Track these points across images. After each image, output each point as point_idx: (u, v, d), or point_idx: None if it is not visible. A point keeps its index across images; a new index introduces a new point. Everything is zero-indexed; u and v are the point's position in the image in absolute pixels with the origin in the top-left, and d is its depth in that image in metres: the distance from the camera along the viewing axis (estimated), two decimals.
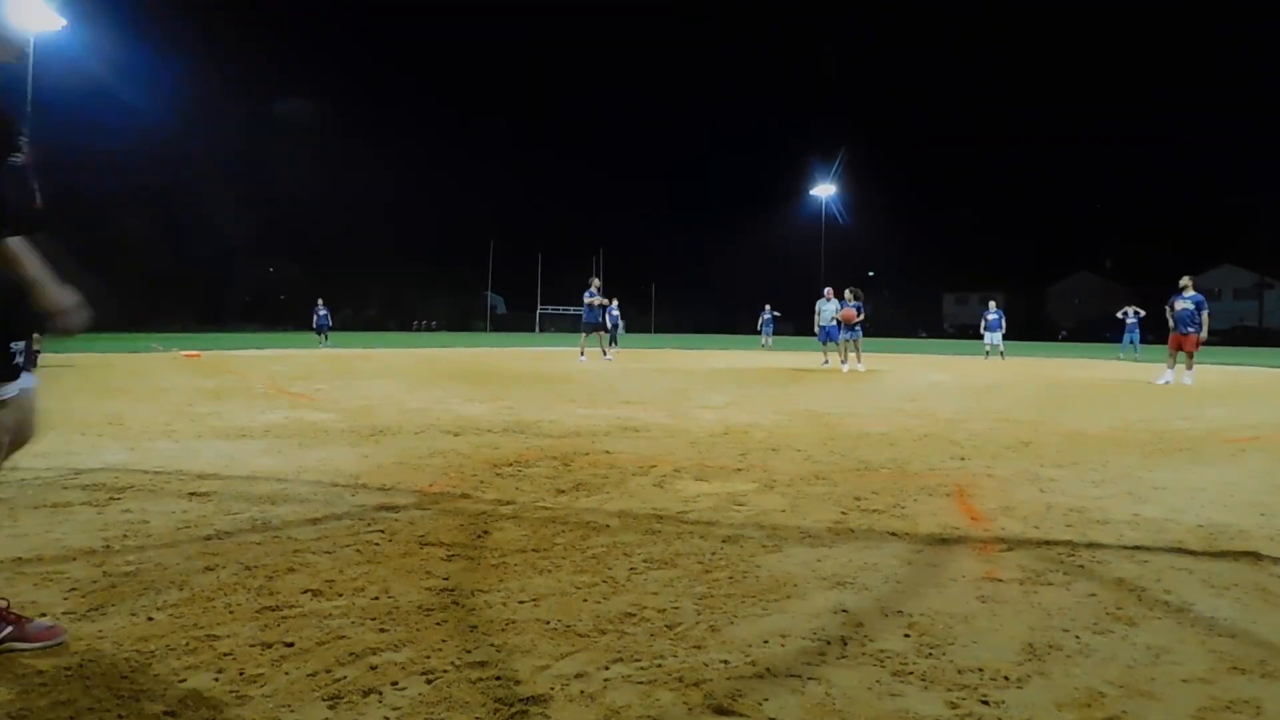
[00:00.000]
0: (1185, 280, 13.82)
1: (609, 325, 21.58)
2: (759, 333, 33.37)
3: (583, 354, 19.81)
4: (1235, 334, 55.01)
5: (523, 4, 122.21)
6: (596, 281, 19.34)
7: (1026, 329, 55.55)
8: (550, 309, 75.33)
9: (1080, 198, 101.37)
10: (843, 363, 17.11)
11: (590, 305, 19.37)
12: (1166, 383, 13.40)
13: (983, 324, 23.68)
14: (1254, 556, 3.23)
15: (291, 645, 2.22)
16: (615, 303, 27.87)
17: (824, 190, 57.84)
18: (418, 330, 67.87)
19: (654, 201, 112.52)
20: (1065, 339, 64.17)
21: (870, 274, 76.88)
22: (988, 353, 23.52)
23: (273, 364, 16.22)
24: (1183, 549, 3.33)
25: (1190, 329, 13.51)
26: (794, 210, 70.09)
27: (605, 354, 20.22)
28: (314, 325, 28.77)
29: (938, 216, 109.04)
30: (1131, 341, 26.11)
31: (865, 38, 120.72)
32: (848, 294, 16.54)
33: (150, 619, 2.40)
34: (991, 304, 23.74)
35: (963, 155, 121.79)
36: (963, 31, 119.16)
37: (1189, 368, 13.69)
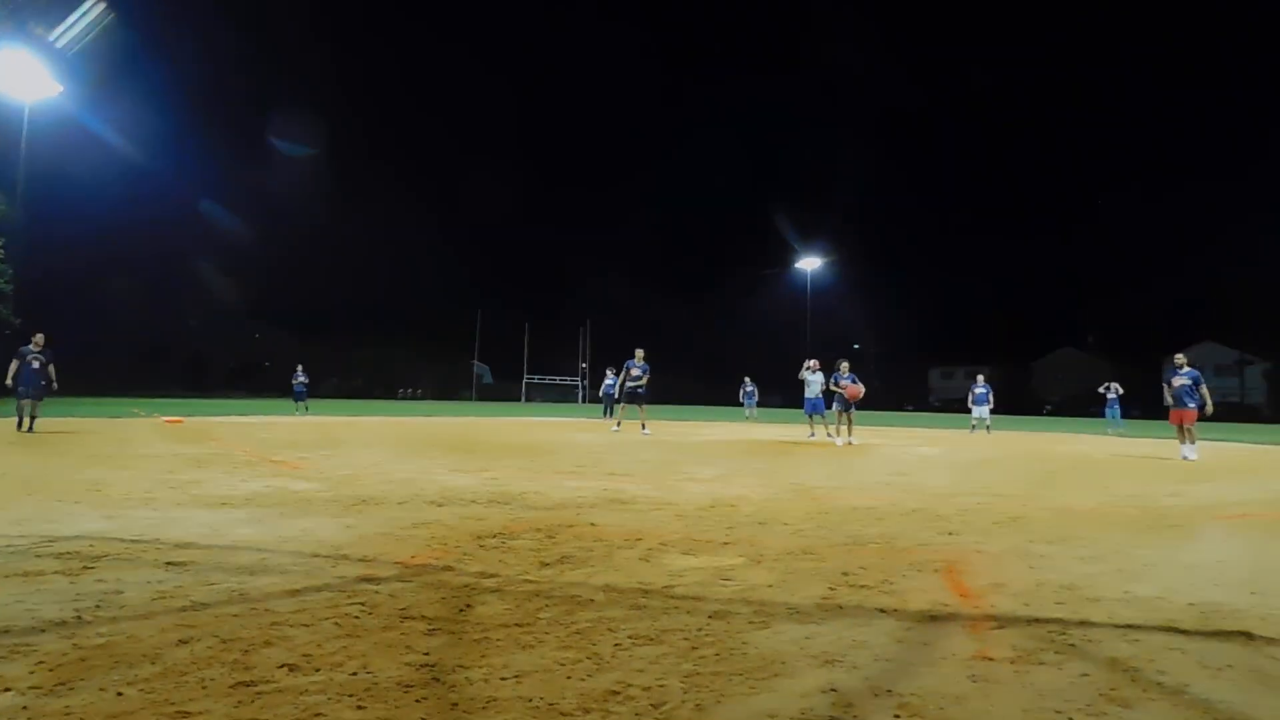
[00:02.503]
0: (1180, 358, 14.29)
1: (614, 396, 20.26)
2: (741, 404, 33.59)
3: (635, 424, 19.24)
4: (1218, 410, 55.36)
5: (512, 70, 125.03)
6: (641, 352, 19.03)
7: (1012, 403, 55.87)
8: (536, 379, 75.34)
9: (1063, 275, 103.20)
10: (831, 435, 17.10)
11: (633, 376, 18.99)
12: (1187, 458, 13.51)
13: (970, 397, 23.81)
14: (1247, 636, 3.20)
15: None
16: (611, 372, 27.92)
17: (809, 263, 58.75)
18: (403, 399, 67.67)
19: (640, 273, 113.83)
20: (1050, 413, 64.46)
21: (855, 346, 77.36)
22: (974, 426, 23.57)
23: (257, 431, 16.08)
24: (1176, 628, 3.29)
25: (1191, 404, 13.83)
26: (781, 284, 70.99)
27: (622, 426, 19.40)
28: (294, 393, 28.53)
29: (924, 291, 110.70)
30: (1114, 416, 26.47)
31: (848, 115, 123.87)
32: (844, 366, 16.47)
33: (120, 694, 2.32)
34: (979, 378, 23.91)
35: (947, 232, 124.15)
36: (943, 109, 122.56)
37: (1192, 442, 13.89)
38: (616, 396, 19.21)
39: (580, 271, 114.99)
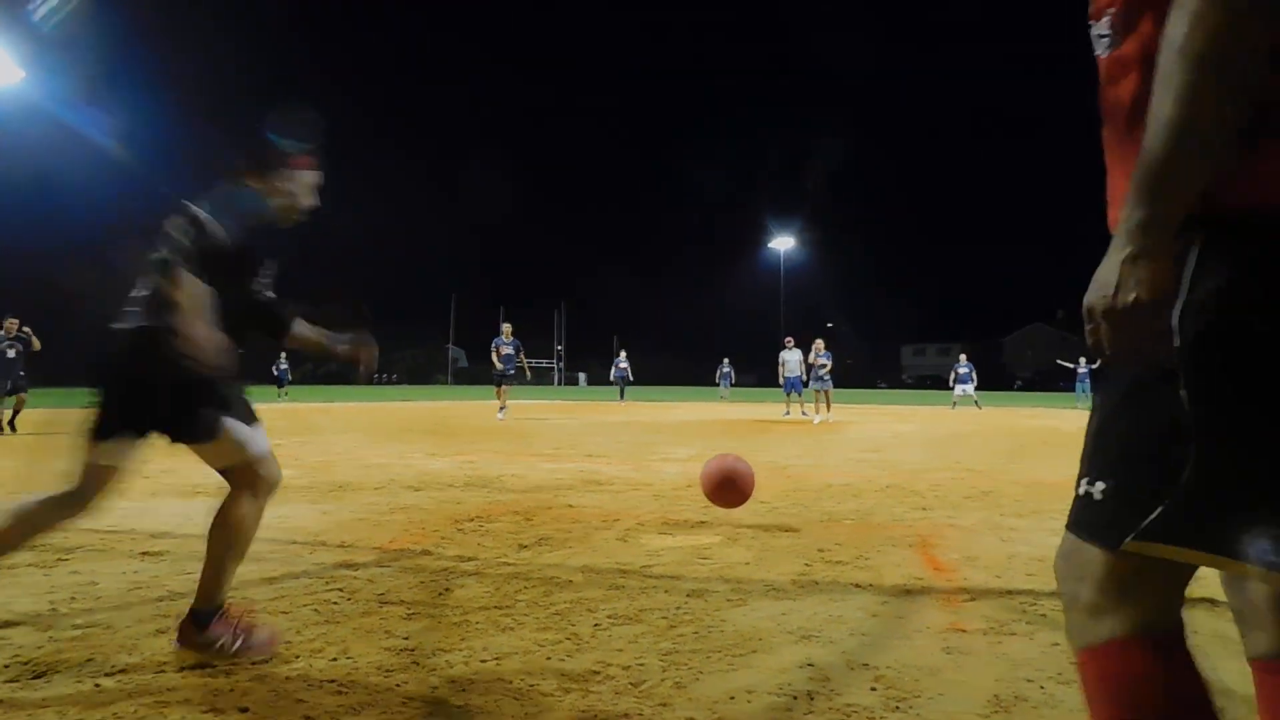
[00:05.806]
0: None
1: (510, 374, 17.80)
2: (717, 384, 33.87)
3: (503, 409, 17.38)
4: None
5: (488, 60, 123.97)
6: (508, 327, 17.60)
7: (983, 379, 56.56)
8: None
9: (1032, 251, 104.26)
10: (806, 413, 17.20)
11: (504, 355, 17.38)
12: None
13: (952, 376, 24.14)
14: (1210, 602, 3.27)
15: (246, 711, 2.15)
16: (624, 354, 28.17)
17: (782, 243, 58.95)
18: (379, 384, 67.23)
19: (616, 255, 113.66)
20: (1021, 388, 65.26)
21: (829, 325, 77.87)
22: (955, 404, 23.87)
23: None
24: None
25: None
26: (755, 263, 71.20)
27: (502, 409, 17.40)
28: (274, 376, 28.67)
29: (895, 270, 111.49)
30: (1084, 390, 26.88)
31: (825, 98, 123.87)
32: (819, 343, 16.45)
33: (97, 686, 2.31)
34: (962, 356, 24.32)
35: (919, 210, 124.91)
36: (919, 92, 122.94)
37: None
38: (499, 376, 17.38)
39: (554, 254, 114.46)
